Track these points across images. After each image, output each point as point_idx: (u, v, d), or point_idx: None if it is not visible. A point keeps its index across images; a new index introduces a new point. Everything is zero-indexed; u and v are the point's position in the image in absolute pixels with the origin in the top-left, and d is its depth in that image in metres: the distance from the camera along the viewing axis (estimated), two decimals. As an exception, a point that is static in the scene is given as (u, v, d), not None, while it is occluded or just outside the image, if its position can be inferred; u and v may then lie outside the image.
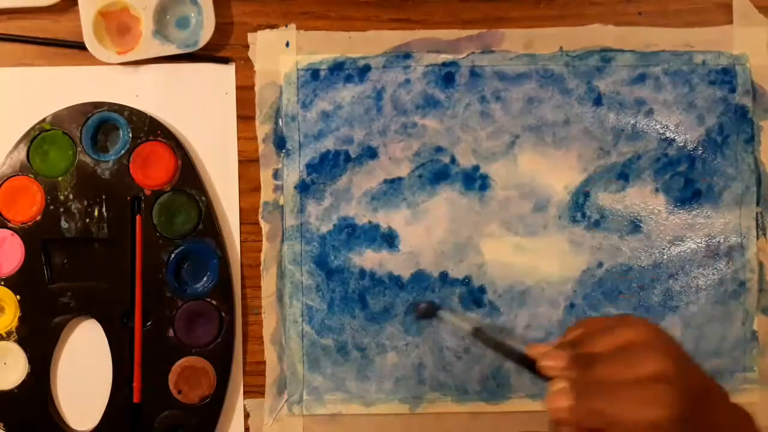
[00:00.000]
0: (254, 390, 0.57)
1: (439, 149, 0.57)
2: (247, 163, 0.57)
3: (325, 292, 0.57)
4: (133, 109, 0.56)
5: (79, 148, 0.56)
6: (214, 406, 0.56)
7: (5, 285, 0.55)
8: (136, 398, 0.55)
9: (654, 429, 0.34)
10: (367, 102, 0.57)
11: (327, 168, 0.57)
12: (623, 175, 0.57)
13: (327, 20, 0.58)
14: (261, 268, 0.57)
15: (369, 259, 0.57)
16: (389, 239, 0.57)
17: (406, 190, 0.57)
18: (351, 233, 0.57)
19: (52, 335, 0.56)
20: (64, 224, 0.55)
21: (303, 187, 0.57)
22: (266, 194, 0.57)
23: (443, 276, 0.57)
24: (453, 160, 0.57)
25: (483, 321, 0.41)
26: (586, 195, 0.57)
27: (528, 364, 0.39)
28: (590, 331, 0.38)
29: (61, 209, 0.55)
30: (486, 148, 0.57)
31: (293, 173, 0.57)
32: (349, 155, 0.57)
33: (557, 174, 0.57)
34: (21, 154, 0.56)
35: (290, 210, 0.57)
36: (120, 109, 0.56)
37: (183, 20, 0.57)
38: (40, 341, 0.55)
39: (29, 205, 0.55)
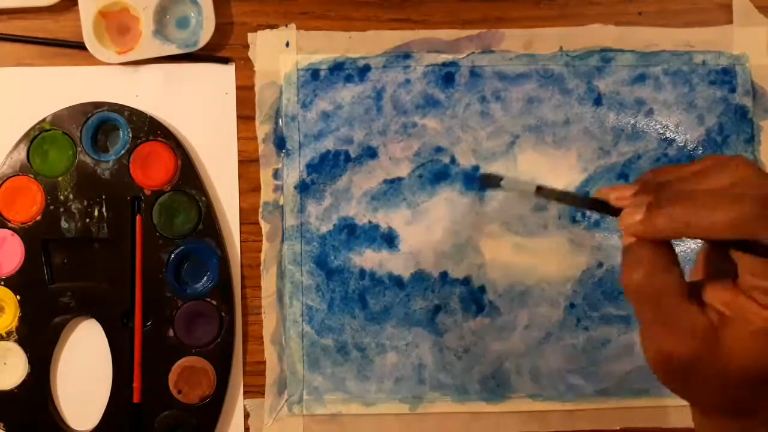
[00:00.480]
0: (254, 390, 0.57)
1: (439, 149, 0.57)
2: (247, 163, 0.57)
3: (325, 292, 0.57)
4: (133, 109, 0.56)
5: (79, 148, 0.56)
6: (214, 406, 0.56)
7: (5, 285, 0.55)
8: (136, 398, 0.55)
9: (732, 227, 0.32)
10: (367, 102, 0.57)
11: (327, 168, 0.57)
12: (623, 175, 0.57)
13: (327, 20, 0.58)
14: (261, 268, 0.57)
15: (369, 259, 0.57)
16: (389, 239, 0.57)
17: (406, 190, 0.57)
18: (351, 233, 0.57)
19: (52, 335, 0.56)
20: (64, 224, 0.55)
21: (303, 187, 0.57)
22: (266, 194, 0.57)
23: (443, 276, 0.57)
24: (453, 160, 0.57)
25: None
26: (586, 195, 0.57)
27: (599, 206, 0.37)
28: (662, 171, 0.36)
29: (61, 209, 0.55)
30: (486, 148, 0.57)
31: (293, 173, 0.57)
32: (349, 155, 0.57)
33: (557, 174, 0.57)
34: (21, 154, 0.56)
35: (290, 210, 0.57)
36: (120, 109, 0.56)
37: (183, 20, 0.57)
38: (40, 341, 0.56)
39: (29, 205, 0.55)
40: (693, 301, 0.34)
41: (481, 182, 0.56)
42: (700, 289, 0.35)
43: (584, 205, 0.38)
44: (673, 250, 0.35)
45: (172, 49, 0.56)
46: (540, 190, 0.39)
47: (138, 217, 0.56)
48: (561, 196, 0.39)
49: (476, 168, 0.57)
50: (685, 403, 0.53)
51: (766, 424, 0.36)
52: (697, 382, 0.35)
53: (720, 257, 0.35)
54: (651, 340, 0.35)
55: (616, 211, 0.36)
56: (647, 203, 0.34)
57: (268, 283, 0.57)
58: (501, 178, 0.43)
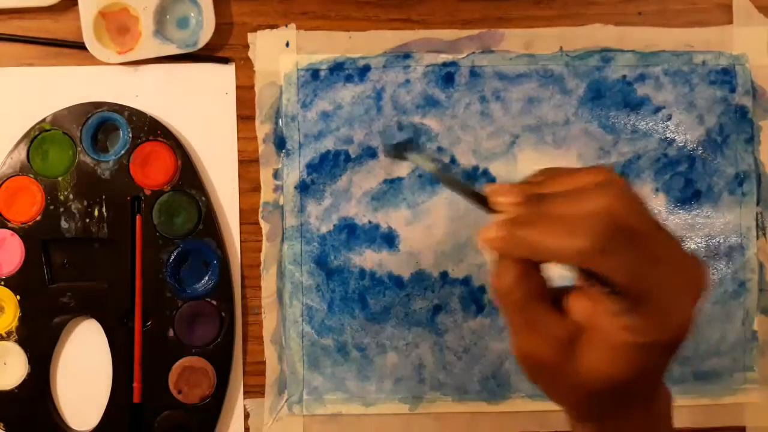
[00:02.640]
0: (254, 390, 0.57)
1: (439, 149, 0.57)
2: (247, 163, 0.57)
3: (325, 292, 0.57)
4: (133, 109, 0.56)
5: (79, 148, 0.56)
6: (214, 406, 0.56)
7: (5, 285, 0.55)
8: (136, 398, 0.55)
9: (573, 257, 0.33)
10: (367, 102, 0.57)
11: (327, 168, 0.57)
12: (623, 175, 0.57)
13: (327, 20, 0.58)
14: (261, 268, 0.57)
15: (369, 259, 0.57)
16: (389, 239, 0.57)
17: (406, 190, 0.57)
18: (351, 233, 0.57)
19: (52, 335, 0.56)
20: (64, 224, 0.55)
21: (303, 187, 0.57)
22: (266, 194, 0.57)
23: (443, 276, 0.57)
24: (453, 160, 0.57)
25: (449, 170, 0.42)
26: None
27: (482, 201, 0.38)
28: (554, 173, 0.37)
29: (61, 209, 0.55)
30: (486, 148, 0.57)
31: (293, 173, 0.57)
32: (349, 155, 0.57)
33: (557, 174, 0.57)
34: (21, 154, 0.56)
35: (290, 210, 0.57)
36: (120, 109, 0.56)
37: (183, 20, 0.57)
38: (40, 341, 0.56)
39: (29, 205, 0.55)
40: (555, 307, 0.36)
41: (387, 151, 0.56)
42: (564, 295, 0.36)
43: (471, 197, 0.38)
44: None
45: (172, 49, 0.56)
46: (438, 174, 0.40)
47: (138, 217, 0.56)
48: (454, 184, 0.40)
49: (476, 168, 0.57)
50: (685, 403, 0.53)
51: (632, 424, 0.38)
52: (558, 385, 0.37)
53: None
54: (517, 340, 0.37)
55: (490, 209, 0.37)
56: (514, 222, 0.35)
57: (268, 283, 0.57)
58: (406, 150, 0.44)
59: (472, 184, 0.39)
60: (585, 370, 0.35)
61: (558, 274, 0.37)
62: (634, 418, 0.38)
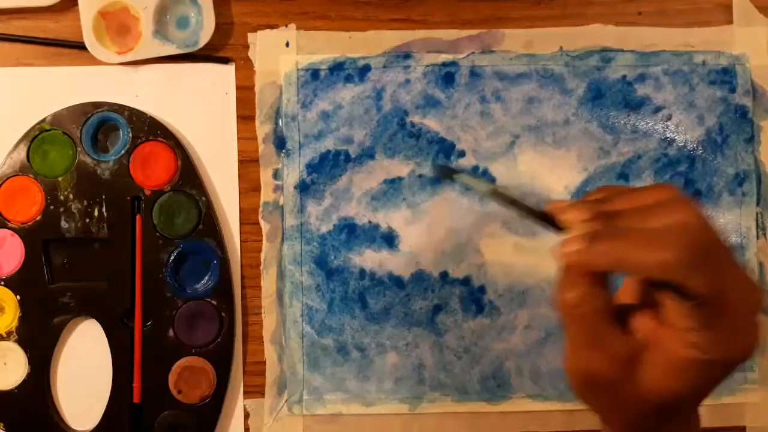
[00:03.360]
0: (254, 390, 0.57)
1: (439, 149, 0.57)
2: (247, 163, 0.57)
3: (325, 292, 0.57)
4: (133, 109, 0.56)
5: (79, 148, 0.56)
6: (214, 406, 0.56)
7: (5, 285, 0.55)
8: (136, 398, 0.55)
9: (661, 270, 0.33)
10: (367, 102, 0.57)
11: (327, 168, 0.57)
12: (623, 175, 0.57)
13: (327, 20, 0.58)
14: (261, 268, 0.57)
15: (369, 259, 0.57)
16: (389, 239, 0.57)
17: (406, 190, 0.57)
18: (351, 233, 0.57)
19: (52, 335, 0.56)
20: (64, 224, 0.55)
21: (303, 187, 0.57)
22: (266, 194, 0.57)
23: (443, 276, 0.57)
24: (453, 161, 0.57)
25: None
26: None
27: (547, 220, 0.38)
28: (615, 192, 0.37)
29: (61, 209, 0.55)
30: (486, 148, 0.57)
31: (293, 173, 0.57)
32: (349, 155, 0.57)
33: (557, 174, 0.57)
34: (21, 154, 0.56)
35: (290, 210, 0.57)
36: (120, 109, 0.56)
37: (183, 20, 0.57)
38: (40, 341, 0.56)
39: (29, 205, 0.55)
40: (618, 325, 0.36)
41: (435, 171, 0.56)
42: (627, 313, 0.36)
43: (532, 216, 0.38)
44: (607, 275, 0.36)
45: (172, 49, 0.56)
46: (495, 194, 0.40)
47: (138, 217, 0.56)
48: (513, 203, 0.40)
49: (476, 168, 0.57)
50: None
51: None
52: (612, 403, 0.37)
53: (650, 284, 0.36)
54: (574, 356, 0.36)
55: (561, 230, 0.37)
56: (589, 233, 0.35)
57: (268, 283, 0.57)
58: (455, 172, 0.44)
59: (531, 203, 0.39)
60: (646, 388, 0.35)
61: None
62: None
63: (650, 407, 0.36)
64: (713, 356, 0.34)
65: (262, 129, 0.57)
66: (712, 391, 0.36)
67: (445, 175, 0.52)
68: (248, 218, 0.57)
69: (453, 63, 0.57)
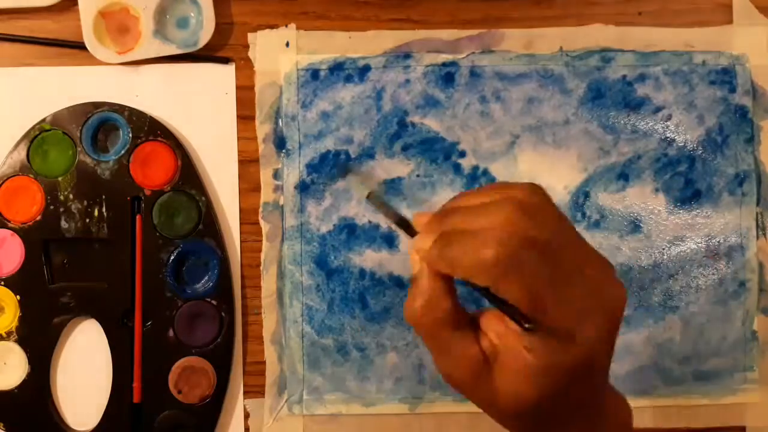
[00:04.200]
0: (254, 390, 0.57)
1: (439, 149, 0.57)
2: (247, 163, 0.57)
3: (325, 292, 0.57)
4: (133, 109, 0.56)
5: (79, 148, 0.56)
6: (214, 406, 0.56)
7: (5, 285, 0.55)
8: (136, 398, 0.55)
9: (481, 271, 0.33)
10: (367, 102, 0.57)
11: (327, 168, 0.57)
12: (623, 175, 0.57)
13: (327, 20, 0.58)
14: (261, 268, 0.57)
15: (369, 259, 0.57)
16: (389, 239, 0.57)
17: (406, 190, 0.57)
18: (351, 233, 0.57)
19: (52, 335, 0.56)
20: (64, 224, 0.55)
21: (303, 187, 0.57)
22: (266, 194, 0.57)
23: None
24: (453, 161, 0.57)
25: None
26: (586, 195, 0.57)
27: (404, 224, 0.39)
28: (466, 192, 0.38)
29: (61, 209, 0.55)
30: (486, 148, 0.57)
31: (293, 173, 0.57)
32: (349, 155, 0.57)
33: (557, 174, 0.57)
34: (21, 154, 0.56)
35: (290, 210, 0.57)
36: (120, 109, 0.56)
37: (183, 20, 0.57)
38: (40, 341, 0.56)
39: (29, 205, 0.55)
40: (469, 329, 0.36)
41: (337, 170, 0.57)
42: (480, 318, 0.37)
43: (396, 222, 0.39)
44: (452, 281, 0.36)
45: (172, 49, 0.56)
46: (369, 195, 0.41)
47: (138, 217, 0.56)
48: (382, 208, 0.41)
49: (476, 168, 0.57)
50: (685, 403, 0.53)
51: None
52: (482, 405, 0.38)
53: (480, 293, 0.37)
54: (435, 362, 0.37)
55: (414, 234, 0.38)
56: (438, 233, 0.36)
57: (268, 283, 0.57)
58: (349, 171, 0.45)
59: (398, 211, 0.40)
60: (499, 391, 0.35)
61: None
62: None
63: (512, 412, 0.36)
64: (546, 361, 0.34)
65: (262, 129, 0.57)
66: (588, 396, 0.36)
67: (341, 173, 0.55)
68: (248, 218, 0.57)
69: (453, 63, 0.57)
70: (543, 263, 0.34)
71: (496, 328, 0.36)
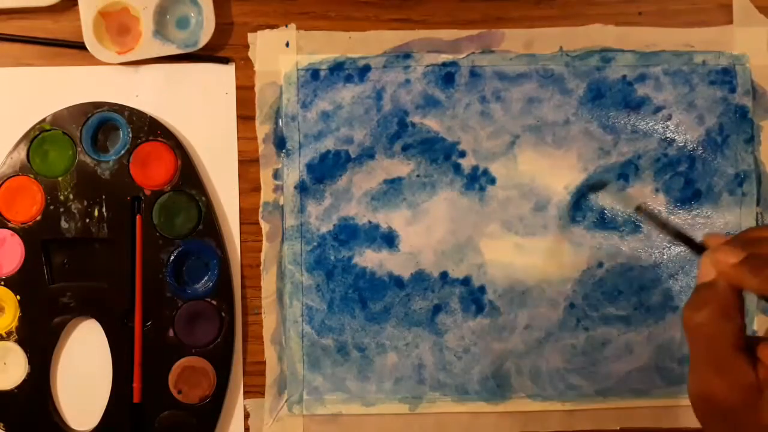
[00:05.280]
0: (254, 390, 0.57)
1: (439, 149, 0.57)
2: (247, 163, 0.57)
3: (325, 292, 0.57)
4: (133, 109, 0.56)
5: (79, 148, 0.56)
6: (214, 406, 0.56)
7: (5, 285, 0.55)
8: (136, 398, 0.55)
9: None
10: (367, 102, 0.57)
11: (327, 168, 0.57)
12: (623, 175, 0.57)
13: (327, 20, 0.58)
14: (261, 268, 0.57)
15: (369, 259, 0.57)
16: (389, 239, 0.57)
17: (406, 190, 0.57)
18: (351, 233, 0.57)
19: (52, 335, 0.56)
20: (64, 224, 0.55)
21: (303, 187, 0.57)
22: (266, 194, 0.57)
23: (443, 276, 0.57)
24: (453, 161, 0.57)
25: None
26: (586, 195, 0.57)
27: (686, 239, 0.38)
28: (761, 228, 0.37)
29: (61, 209, 0.55)
30: (486, 148, 0.57)
31: (293, 173, 0.57)
32: (349, 155, 0.57)
33: (557, 174, 0.57)
34: (21, 154, 0.56)
35: (290, 210, 0.57)
36: (120, 109, 0.56)
37: (183, 20, 0.57)
38: (40, 341, 0.56)
39: (29, 205, 0.55)
40: (746, 354, 0.35)
41: (591, 185, 0.57)
42: (758, 344, 0.35)
43: (672, 234, 0.39)
44: (742, 300, 0.36)
45: (172, 49, 0.56)
46: (639, 209, 0.40)
47: (138, 217, 0.56)
48: (656, 221, 0.40)
49: (476, 168, 0.57)
50: (685, 403, 0.52)
51: None
52: (731, 430, 0.35)
53: None
54: (697, 377, 0.36)
55: (699, 249, 0.37)
56: (747, 254, 0.35)
57: (268, 283, 0.57)
58: (605, 184, 0.44)
59: (681, 227, 0.39)
60: (765, 425, 0.34)
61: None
62: None
63: None
64: None
65: (262, 129, 0.57)
66: None
67: (595, 188, 0.56)
68: (248, 218, 0.57)
69: (453, 63, 0.57)
70: None
71: None
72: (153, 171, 0.56)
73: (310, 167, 0.57)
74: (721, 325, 0.35)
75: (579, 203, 0.57)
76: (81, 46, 0.56)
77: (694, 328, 0.35)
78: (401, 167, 0.57)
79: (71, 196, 0.55)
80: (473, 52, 0.57)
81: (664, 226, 0.40)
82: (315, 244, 0.57)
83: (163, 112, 0.57)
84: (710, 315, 0.35)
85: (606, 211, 0.57)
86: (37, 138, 0.56)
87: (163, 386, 0.55)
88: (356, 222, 0.57)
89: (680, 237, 0.39)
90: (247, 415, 0.57)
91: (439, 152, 0.57)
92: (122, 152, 0.56)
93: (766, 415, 0.34)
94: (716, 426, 0.36)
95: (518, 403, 0.57)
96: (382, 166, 0.57)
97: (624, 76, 0.58)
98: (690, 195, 0.57)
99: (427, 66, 0.57)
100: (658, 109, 0.58)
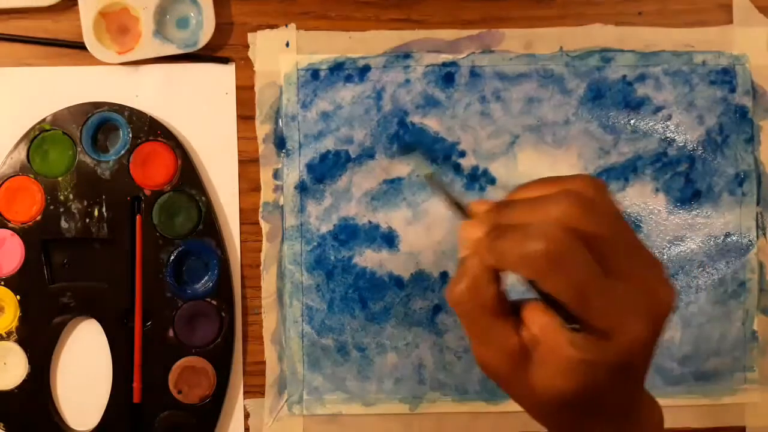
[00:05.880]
0: (254, 390, 0.57)
1: (439, 149, 0.57)
2: (247, 163, 0.57)
3: (325, 292, 0.57)
4: (133, 109, 0.56)
5: (79, 148, 0.56)
6: (214, 406, 0.56)
7: (5, 285, 0.55)
8: (136, 398, 0.55)
9: (529, 264, 0.33)
10: (367, 102, 0.57)
11: (327, 168, 0.57)
12: (623, 175, 0.57)
13: (327, 20, 0.58)
14: (261, 268, 0.57)
15: (369, 259, 0.57)
16: (389, 239, 0.57)
17: (406, 190, 0.57)
18: (351, 233, 0.57)
19: (52, 335, 0.56)
20: (64, 224, 0.55)
21: (303, 187, 0.57)
22: (266, 194, 0.57)
23: (443, 276, 0.57)
24: (453, 160, 0.57)
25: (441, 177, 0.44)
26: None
27: (460, 208, 0.39)
28: (528, 184, 0.38)
29: (61, 209, 0.55)
30: (486, 148, 0.57)
31: (293, 173, 0.57)
32: (349, 155, 0.57)
33: (557, 174, 0.57)
34: (21, 154, 0.56)
35: (290, 210, 0.57)
36: (120, 109, 0.56)
37: (183, 20, 0.57)
38: (40, 341, 0.56)
39: (29, 205, 0.55)
40: (510, 318, 0.36)
41: (401, 148, 0.57)
42: (522, 306, 0.36)
43: (451, 203, 0.39)
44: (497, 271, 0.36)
45: (172, 49, 0.56)
46: (431, 176, 0.42)
47: (138, 217, 0.56)
48: (440, 189, 0.41)
49: (476, 168, 0.57)
50: (685, 403, 0.53)
51: None
52: (517, 396, 0.37)
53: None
54: (473, 349, 0.37)
55: (468, 218, 0.38)
56: (488, 226, 0.36)
57: (268, 283, 0.57)
58: (414, 149, 0.47)
59: (457, 196, 0.40)
60: (536, 384, 0.35)
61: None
62: None
63: (547, 405, 0.35)
64: (589, 357, 0.33)
65: (262, 129, 0.57)
66: (625, 395, 0.36)
67: (405, 151, 0.56)
68: (248, 218, 0.57)
69: (453, 63, 0.57)
70: (592, 260, 0.33)
71: (538, 319, 0.35)
72: (153, 171, 0.56)
73: (310, 167, 0.57)
74: (475, 298, 0.35)
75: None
76: (81, 46, 0.56)
77: (455, 304, 0.36)
78: (401, 167, 0.57)
79: (71, 196, 0.55)
80: (473, 52, 0.57)
81: (445, 195, 0.40)
82: (315, 244, 0.57)
83: (163, 112, 0.57)
84: (464, 289, 0.36)
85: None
86: (37, 138, 0.56)
87: (163, 386, 0.55)
88: (356, 222, 0.57)
89: (454, 205, 0.39)
90: (247, 415, 0.57)
91: (439, 152, 0.57)
92: (122, 152, 0.56)
93: (536, 373, 0.35)
94: (504, 389, 0.37)
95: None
96: (382, 166, 0.57)
97: (624, 76, 0.58)
98: (690, 195, 0.57)
99: (427, 66, 0.57)
100: (658, 109, 0.58)
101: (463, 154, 0.57)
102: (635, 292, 0.34)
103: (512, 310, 0.36)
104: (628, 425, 0.38)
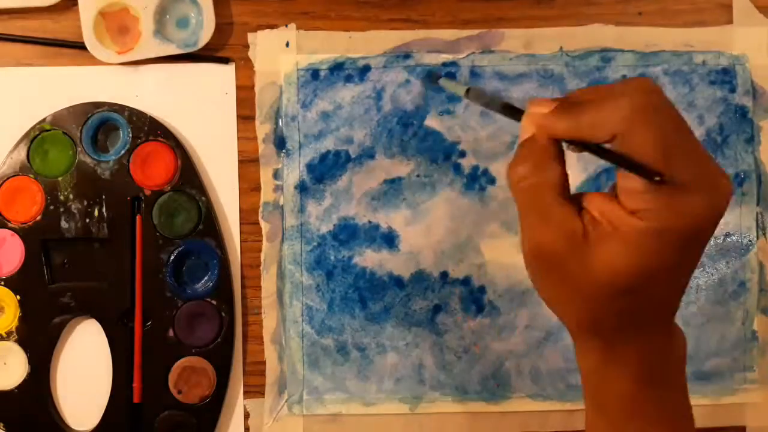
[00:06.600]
0: (254, 390, 0.57)
1: (439, 149, 0.57)
2: (247, 163, 0.57)
3: (325, 292, 0.57)
4: (133, 109, 0.56)
5: (79, 148, 0.56)
6: (214, 406, 0.56)
7: (5, 285, 0.55)
8: (136, 398, 0.55)
9: (615, 124, 0.34)
10: (367, 102, 0.57)
11: (327, 168, 0.57)
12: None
13: (327, 20, 0.58)
14: (261, 268, 0.57)
15: (369, 259, 0.57)
16: (389, 239, 0.57)
17: (406, 190, 0.57)
18: (351, 233, 0.57)
19: (52, 335, 0.56)
20: (64, 224, 0.55)
21: (303, 187, 0.57)
22: (266, 194, 0.57)
23: (443, 276, 0.57)
24: (453, 160, 0.57)
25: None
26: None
27: (510, 110, 0.39)
28: (593, 88, 0.38)
29: (61, 209, 0.55)
30: (486, 148, 0.57)
31: (293, 173, 0.57)
32: (349, 155, 0.57)
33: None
34: (21, 154, 0.56)
35: (290, 210, 0.57)
36: (120, 109, 0.56)
37: (183, 20, 0.57)
38: (40, 341, 0.56)
39: (29, 205, 0.55)
40: (571, 203, 0.36)
41: (425, 79, 0.57)
42: (584, 197, 0.36)
43: (500, 106, 0.39)
44: (562, 151, 0.37)
45: (172, 49, 0.56)
46: (469, 92, 0.41)
47: (138, 217, 0.56)
48: (485, 98, 0.41)
49: (476, 168, 0.57)
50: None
51: (640, 354, 0.36)
52: (566, 286, 0.36)
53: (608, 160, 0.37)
54: (525, 233, 0.36)
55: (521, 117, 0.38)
56: (558, 102, 0.36)
57: (268, 283, 0.57)
58: (440, 76, 0.48)
59: (501, 98, 0.40)
60: (595, 265, 0.34)
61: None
62: (642, 348, 0.36)
63: (602, 291, 0.35)
64: (659, 223, 0.33)
65: (262, 129, 0.57)
66: (675, 292, 0.36)
67: (431, 81, 0.56)
68: (248, 218, 0.57)
69: (453, 63, 0.57)
70: (672, 122, 0.34)
71: (600, 206, 0.35)
72: (153, 171, 0.56)
73: (310, 167, 0.57)
74: (541, 176, 0.36)
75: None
76: (81, 46, 0.56)
77: (517, 183, 0.36)
78: (401, 167, 0.57)
79: (71, 196, 0.55)
80: (473, 52, 0.57)
81: (491, 101, 0.40)
82: (315, 244, 0.57)
83: (163, 112, 0.57)
84: (530, 167, 0.36)
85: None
86: (37, 138, 0.56)
87: (163, 386, 0.55)
88: (356, 222, 0.57)
89: (506, 108, 0.39)
90: (247, 415, 0.57)
91: (439, 152, 0.57)
92: (122, 152, 0.56)
93: (592, 259, 0.34)
94: (547, 279, 0.37)
95: (518, 403, 0.57)
96: (382, 166, 0.57)
97: (624, 76, 0.57)
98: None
99: (427, 66, 0.57)
100: (658, 109, 0.57)
101: (463, 154, 0.57)
102: (704, 169, 0.34)
103: (574, 199, 0.36)
104: (665, 339, 0.37)
